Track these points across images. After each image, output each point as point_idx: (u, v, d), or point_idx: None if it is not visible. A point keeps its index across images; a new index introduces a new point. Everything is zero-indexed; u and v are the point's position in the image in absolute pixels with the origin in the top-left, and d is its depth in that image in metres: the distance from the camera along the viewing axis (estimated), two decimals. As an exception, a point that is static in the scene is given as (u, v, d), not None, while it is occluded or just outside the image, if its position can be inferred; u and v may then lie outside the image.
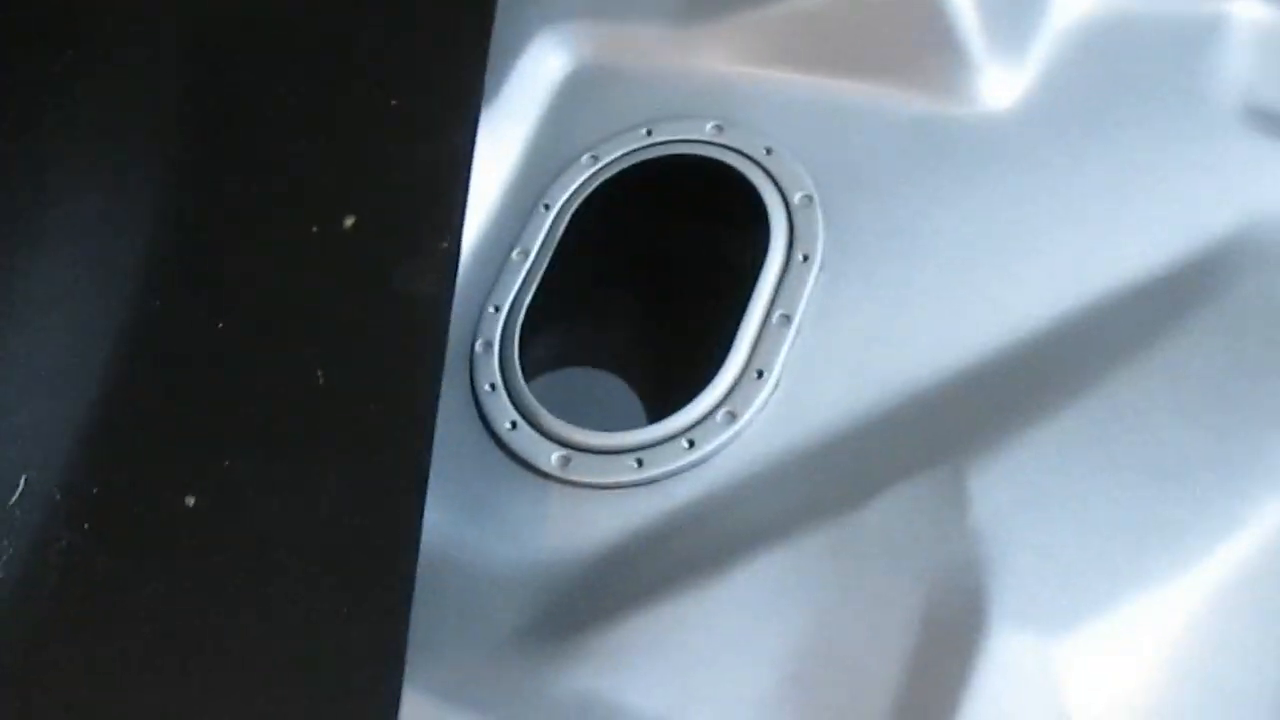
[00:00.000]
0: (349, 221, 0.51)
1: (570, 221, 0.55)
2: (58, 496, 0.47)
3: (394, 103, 0.54)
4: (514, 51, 0.59)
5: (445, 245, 0.50)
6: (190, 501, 0.46)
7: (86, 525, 0.46)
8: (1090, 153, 0.50)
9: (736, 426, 0.47)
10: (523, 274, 0.54)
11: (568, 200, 0.56)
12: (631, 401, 0.52)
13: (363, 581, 0.43)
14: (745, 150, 0.54)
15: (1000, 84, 0.52)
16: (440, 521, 0.48)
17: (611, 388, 0.56)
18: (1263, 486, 0.39)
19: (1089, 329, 0.46)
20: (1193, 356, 0.43)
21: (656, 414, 0.50)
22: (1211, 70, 0.50)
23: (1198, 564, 0.38)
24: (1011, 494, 0.40)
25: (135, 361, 0.49)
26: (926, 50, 0.52)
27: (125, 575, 0.45)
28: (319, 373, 0.48)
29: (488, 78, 0.54)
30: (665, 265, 0.59)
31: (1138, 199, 0.48)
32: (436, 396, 0.46)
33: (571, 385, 0.57)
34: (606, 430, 0.49)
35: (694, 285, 0.58)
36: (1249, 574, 0.38)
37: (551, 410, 0.50)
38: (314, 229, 0.51)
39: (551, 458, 0.49)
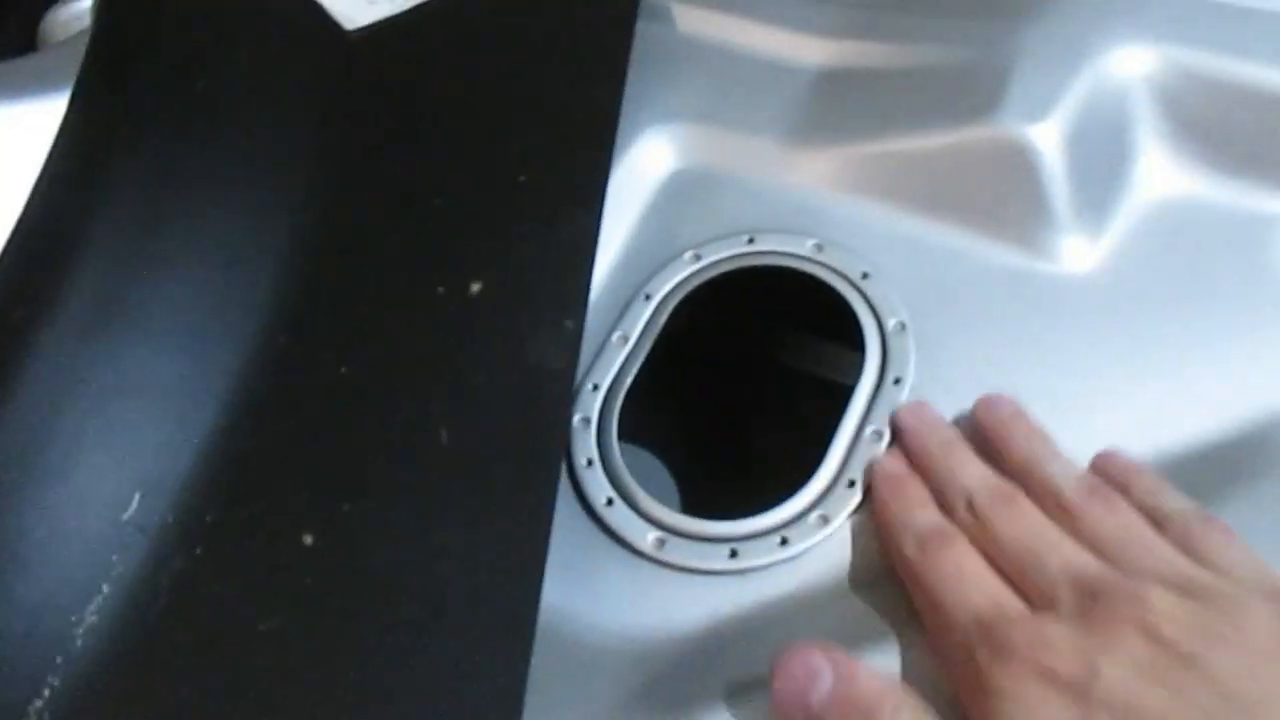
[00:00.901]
0: (475, 287, 0.54)
1: (671, 313, 0.58)
2: (170, 519, 0.48)
3: (522, 179, 0.57)
4: (625, 145, 0.63)
5: (570, 324, 0.53)
6: (308, 540, 0.47)
7: (199, 550, 0.47)
8: (1156, 321, 0.55)
9: (829, 529, 0.51)
10: (623, 357, 0.57)
11: (670, 293, 0.59)
12: (719, 490, 0.54)
13: (482, 643, 0.45)
14: (844, 271, 0.58)
15: (1081, 248, 0.57)
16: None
17: (699, 473, 0.59)
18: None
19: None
20: (1254, 515, 0.48)
21: (744, 506, 0.53)
22: (1267, 263, 0.56)
23: None
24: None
25: (258, 394, 0.50)
26: (1017, 207, 0.57)
27: (237, 604, 0.46)
28: (442, 431, 0.50)
29: (599, 168, 0.57)
30: (759, 367, 0.63)
31: (1198, 369, 0.53)
32: (559, 468, 0.49)
33: (663, 466, 0.60)
34: (701, 517, 0.52)
35: (785, 390, 0.62)
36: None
37: (647, 490, 0.53)
38: (440, 289, 0.54)
39: (648, 538, 0.52)
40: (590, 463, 0.54)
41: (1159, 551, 0.42)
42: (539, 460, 0.49)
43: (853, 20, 0.65)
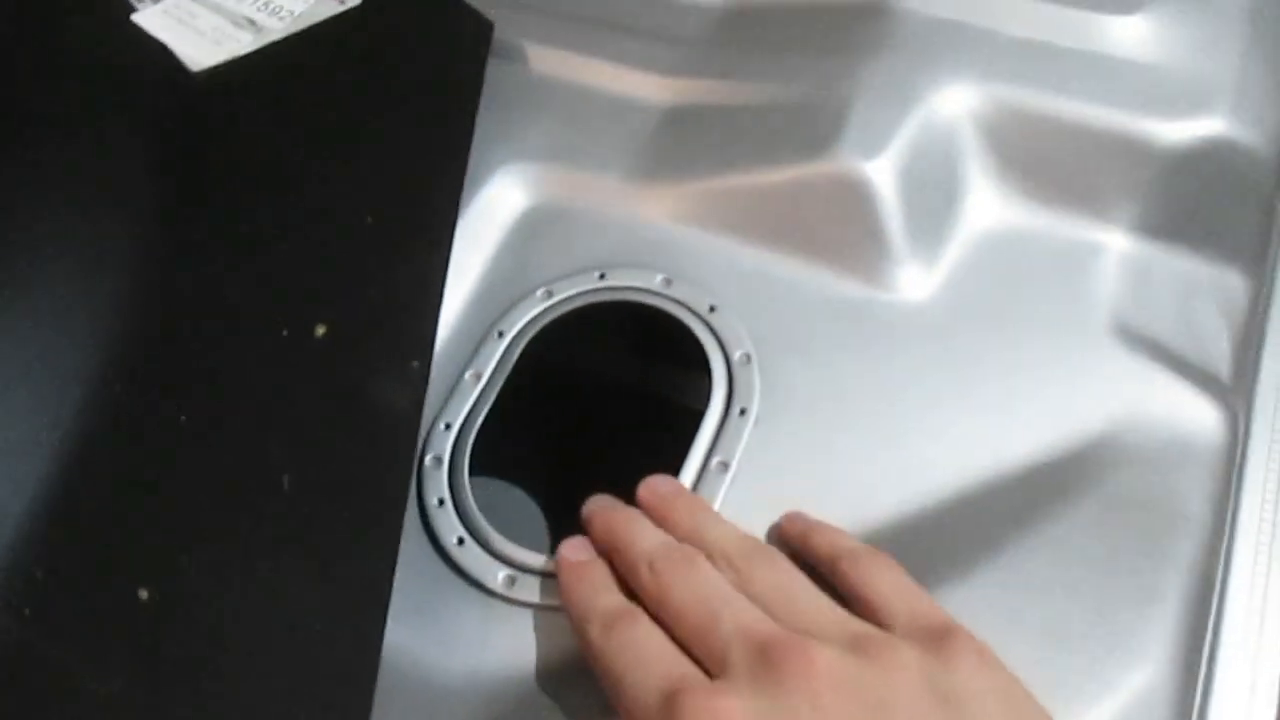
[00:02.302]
0: (320, 330, 0.53)
1: (524, 350, 0.59)
2: (-4, 578, 0.46)
3: (369, 221, 0.57)
4: (477, 184, 0.63)
5: (416, 364, 0.53)
6: (144, 595, 0.46)
7: (27, 611, 0.45)
8: (987, 347, 0.57)
9: (676, 562, 0.52)
10: (475, 395, 0.57)
11: (522, 330, 0.59)
12: (571, 523, 0.54)
13: (321, 691, 0.44)
14: (691, 305, 0.59)
15: (917, 278, 0.59)
16: (388, 632, 0.49)
17: (551, 507, 0.59)
18: (1134, 656, 0.46)
19: (988, 501, 0.53)
20: (1074, 537, 0.50)
21: (595, 541, 0.53)
22: (1087, 289, 0.59)
23: (1080, 720, 0.45)
24: (930, 647, 0.46)
25: (91, 443, 0.49)
26: (857, 240, 0.59)
27: (69, 667, 0.45)
28: (284, 477, 0.49)
29: (450, 207, 0.58)
30: (611, 399, 0.64)
31: (1025, 392, 0.56)
32: (403, 512, 0.49)
33: (514, 502, 0.60)
34: (550, 553, 0.52)
35: (637, 422, 0.63)
36: (1118, 731, 0.45)
37: (498, 528, 0.53)
38: (284, 333, 0.53)
39: (498, 576, 0.52)
40: (441, 502, 0.54)
41: (822, 606, 0.45)
42: (383, 504, 0.48)
43: (698, 59, 0.67)
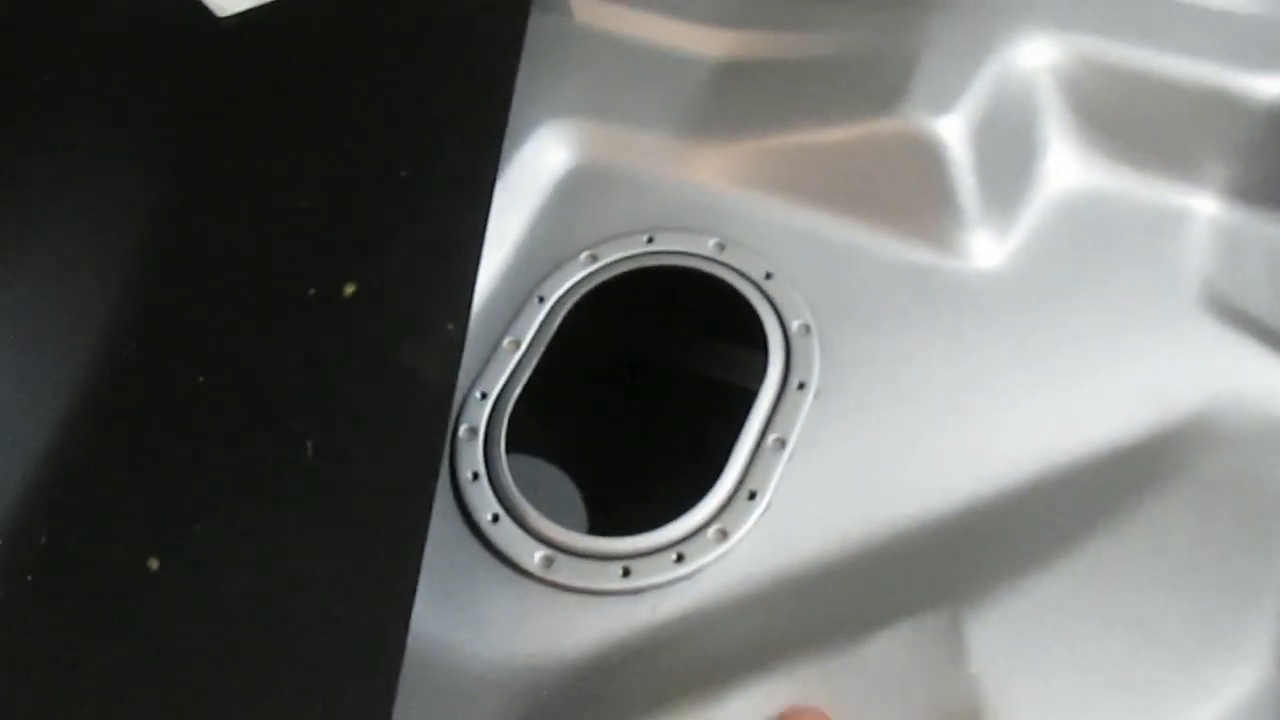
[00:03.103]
0: (349, 290, 0.50)
1: (565, 317, 0.55)
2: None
3: (403, 174, 0.54)
4: (518, 142, 0.59)
5: (451, 327, 0.49)
6: (154, 565, 0.43)
7: (29, 578, 0.42)
8: (1066, 319, 0.53)
9: (727, 545, 0.48)
10: (513, 363, 0.54)
11: (563, 295, 0.56)
12: (612, 503, 0.51)
13: (341, 676, 0.41)
14: (746, 272, 0.55)
15: (990, 244, 0.55)
16: (417, 613, 0.46)
17: (592, 485, 0.56)
18: (1235, 655, 0.42)
19: (1069, 485, 0.48)
20: (1168, 525, 0.45)
21: (640, 521, 0.50)
22: (1176, 257, 0.54)
23: (1176, 726, 0.40)
24: (1008, 643, 0.42)
25: (102, 406, 0.46)
26: (925, 203, 0.55)
27: (69, 638, 0.42)
28: (307, 444, 0.46)
29: (490, 164, 0.54)
30: (658, 371, 0.60)
31: (1107, 368, 0.51)
32: (434, 484, 0.45)
33: (554, 478, 0.57)
34: (591, 533, 0.49)
35: (686, 395, 0.59)
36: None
37: (535, 505, 0.50)
38: (311, 291, 0.50)
39: (535, 556, 0.48)
40: (476, 476, 0.51)
41: None
42: (413, 476, 0.45)
43: (753, 10, 0.62)
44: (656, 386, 0.60)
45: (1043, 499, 0.48)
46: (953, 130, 0.54)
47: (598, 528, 0.49)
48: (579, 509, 0.56)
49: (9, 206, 0.47)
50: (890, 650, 0.43)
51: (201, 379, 0.47)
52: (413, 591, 0.42)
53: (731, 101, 0.60)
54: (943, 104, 0.54)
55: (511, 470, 0.51)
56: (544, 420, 0.53)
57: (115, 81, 0.55)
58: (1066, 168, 0.57)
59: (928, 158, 0.54)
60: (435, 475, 0.45)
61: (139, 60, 0.56)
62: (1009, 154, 0.56)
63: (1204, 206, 0.55)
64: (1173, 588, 0.43)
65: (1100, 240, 0.55)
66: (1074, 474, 0.48)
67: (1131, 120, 0.56)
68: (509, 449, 0.51)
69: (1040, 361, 0.52)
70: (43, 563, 0.42)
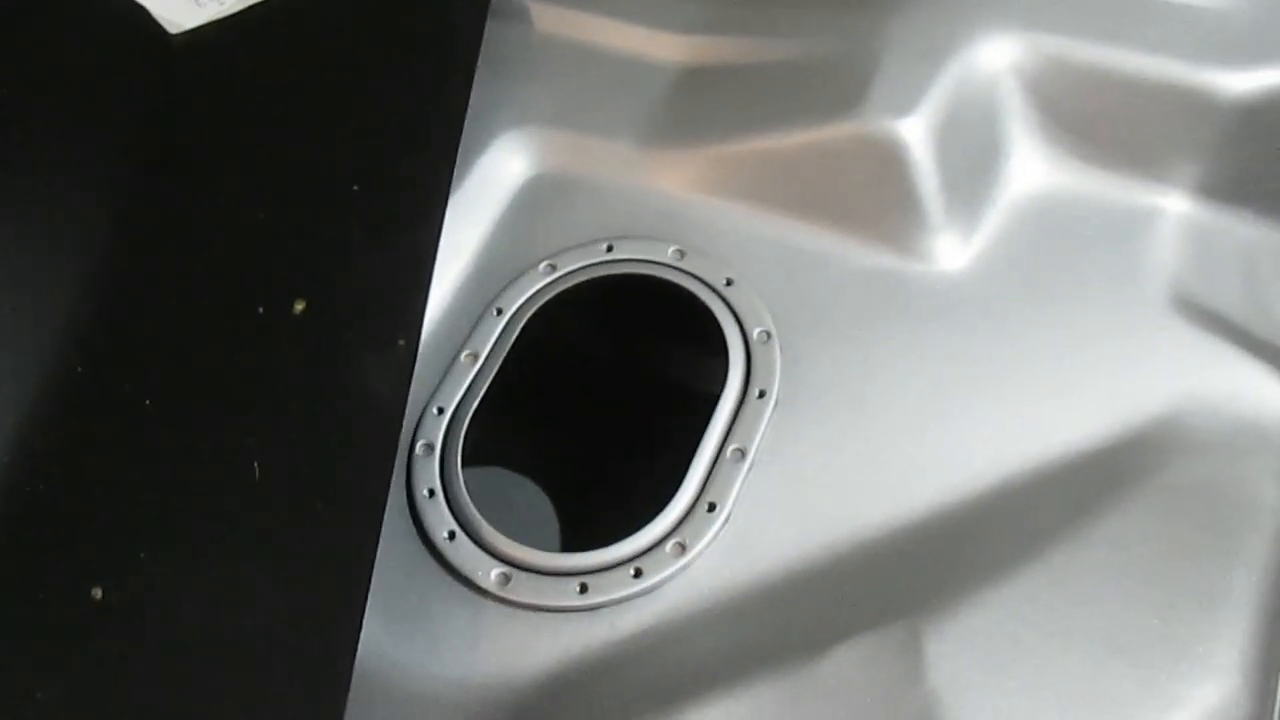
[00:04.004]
0: (299, 306, 0.49)
1: (523, 329, 0.54)
2: (-59, 576, 0.42)
3: (355, 189, 0.53)
4: (476, 152, 0.59)
5: (403, 343, 0.48)
6: (97, 594, 0.42)
7: (-29, 610, 0.42)
8: (1033, 323, 0.52)
9: (686, 559, 0.47)
10: (470, 378, 0.53)
11: (521, 307, 0.55)
12: (571, 518, 0.50)
13: (291, 697, 0.40)
14: (706, 279, 0.54)
15: (954, 247, 0.54)
16: (369, 633, 0.45)
17: (550, 501, 0.55)
18: (1201, 667, 0.41)
19: (1031, 493, 0.47)
20: (1131, 532, 0.45)
21: (599, 535, 0.49)
22: (1144, 258, 0.53)
23: (1140, 740, 0.39)
24: (968, 658, 0.41)
25: (47, 429, 0.45)
26: (887, 206, 0.54)
27: (11, 671, 0.41)
28: (255, 464, 0.45)
29: (446, 175, 0.53)
30: (618, 382, 0.59)
31: (1074, 372, 0.50)
32: (384, 501, 0.44)
33: (511, 494, 0.56)
34: (548, 549, 0.48)
35: (646, 406, 0.58)
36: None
37: (492, 522, 0.49)
38: (260, 309, 0.49)
39: (491, 574, 0.47)
40: (432, 493, 0.50)
41: None
42: (362, 495, 0.44)
43: (712, 15, 0.62)
44: (616, 398, 0.59)
45: (1006, 508, 0.47)
46: (914, 132, 0.53)
47: (558, 542, 0.48)
48: (538, 524, 0.55)
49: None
50: (848, 665, 0.42)
51: (148, 400, 0.46)
52: (360, 613, 0.42)
53: (692, 108, 0.59)
54: (904, 106, 0.53)
55: (469, 486, 0.50)
56: (502, 434, 0.52)
57: (66, 97, 0.54)
58: (1032, 168, 0.56)
59: (890, 160, 0.53)
60: (385, 493, 0.45)
61: (90, 76, 0.55)
62: (972, 155, 0.55)
63: (1173, 205, 0.55)
64: (1137, 598, 0.42)
65: (1067, 241, 0.54)
66: (1038, 482, 0.47)
67: (1097, 119, 0.55)
68: (467, 464, 0.51)
69: (1005, 366, 0.51)
70: (-16, 592, 0.42)
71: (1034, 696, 0.40)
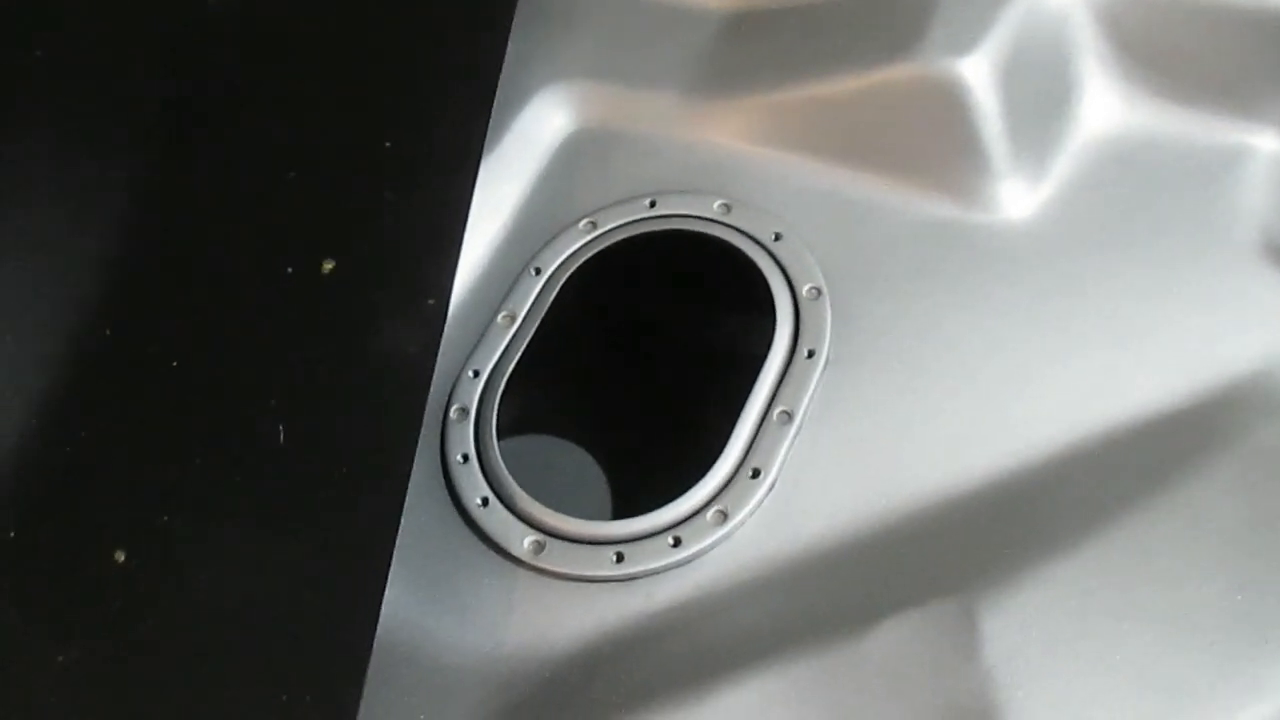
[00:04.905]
0: (327, 266, 0.48)
1: (562, 289, 0.52)
2: (-33, 538, 0.42)
3: (388, 144, 0.51)
4: (513, 106, 0.56)
5: (433, 302, 0.46)
6: (120, 558, 0.41)
7: (-2, 574, 0.41)
8: (1106, 275, 0.48)
9: (727, 528, 0.44)
10: (507, 339, 0.51)
11: (561, 266, 0.53)
12: (610, 485, 0.48)
13: (310, 666, 0.39)
14: (753, 234, 0.52)
15: (1020, 194, 0.50)
16: (398, 602, 0.44)
17: (588, 467, 0.53)
18: (1287, 649, 0.37)
19: (1099, 459, 0.44)
20: (1209, 502, 0.41)
21: (638, 503, 0.47)
22: (1232, 202, 0.49)
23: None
24: (1026, 636, 0.38)
25: (74, 391, 0.45)
26: (948, 152, 0.51)
27: (32, 634, 0.40)
28: (280, 428, 0.44)
29: (483, 131, 0.51)
30: (660, 344, 0.57)
31: (1151, 328, 0.47)
32: (410, 466, 0.43)
33: (547, 460, 0.54)
34: (584, 517, 0.46)
35: (689, 368, 0.56)
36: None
37: (526, 488, 0.47)
38: (289, 269, 0.48)
39: (524, 542, 0.46)
40: (465, 458, 0.48)
41: None
42: (388, 458, 0.43)
43: (761, -46, 0.58)
44: (657, 359, 0.56)
45: (1071, 476, 0.43)
46: (977, 72, 0.49)
47: (594, 509, 0.46)
48: (574, 491, 0.53)
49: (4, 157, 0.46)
50: (896, 642, 0.39)
51: (174, 363, 0.45)
52: (383, 578, 0.40)
53: (738, 55, 0.56)
54: (964, 44, 0.50)
55: (503, 451, 0.48)
56: (539, 397, 0.50)
57: (99, 59, 0.54)
58: (1106, 108, 0.52)
59: (950, 103, 0.50)
60: (411, 459, 0.43)
61: (123, 38, 0.55)
62: (1040, 95, 0.51)
63: (1264, 144, 0.50)
64: (1216, 573, 0.39)
65: (1145, 186, 0.50)
66: (1107, 448, 0.44)
67: (1179, 52, 0.50)
68: (501, 428, 0.49)
69: (1074, 322, 0.47)
70: (9, 557, 0.41)
71: (1098, 679, 0.37)
